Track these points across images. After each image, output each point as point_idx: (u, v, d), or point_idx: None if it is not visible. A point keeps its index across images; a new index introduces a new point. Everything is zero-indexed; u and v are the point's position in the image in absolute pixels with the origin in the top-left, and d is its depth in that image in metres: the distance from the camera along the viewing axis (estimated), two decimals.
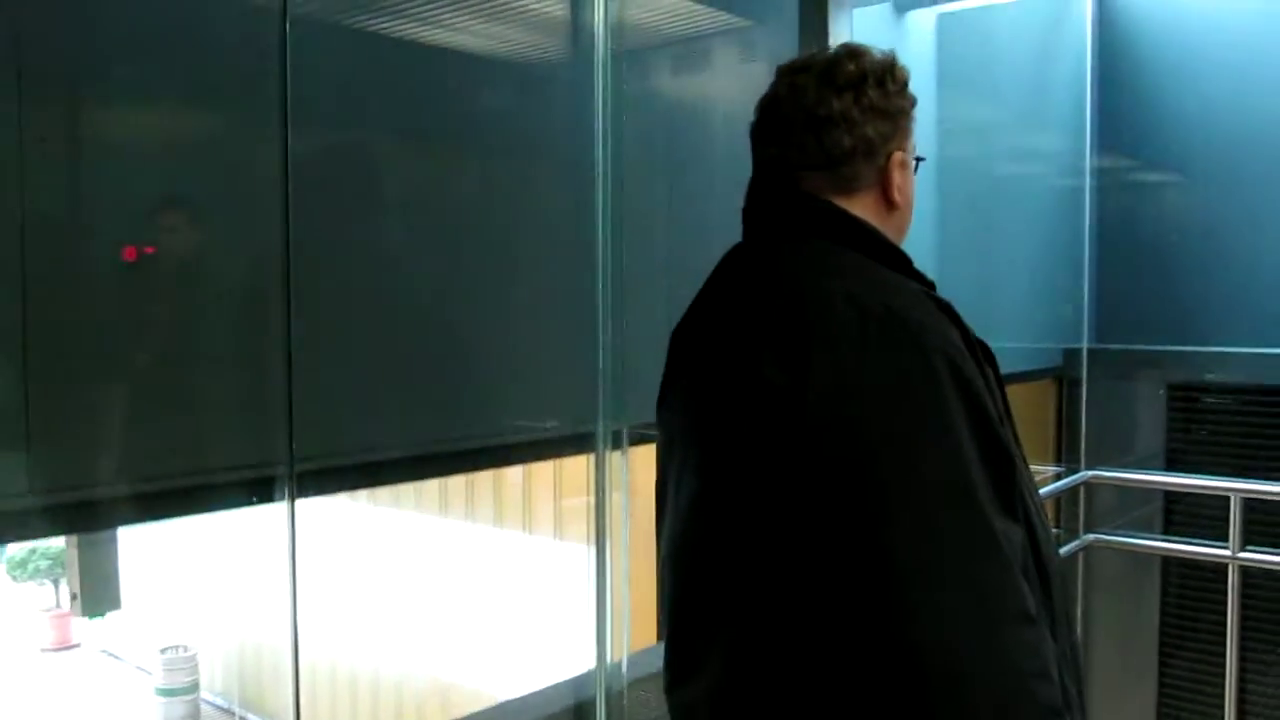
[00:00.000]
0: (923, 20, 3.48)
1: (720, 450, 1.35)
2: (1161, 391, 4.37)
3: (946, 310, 1.33)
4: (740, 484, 1.32)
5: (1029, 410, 4.16)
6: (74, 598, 1.71)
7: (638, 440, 2.25)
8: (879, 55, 1.48)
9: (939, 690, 1.18)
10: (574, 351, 2.24)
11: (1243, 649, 4.00)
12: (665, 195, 2.53)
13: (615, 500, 2.21)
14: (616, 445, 2.26)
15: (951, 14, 3.65)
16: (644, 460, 2.14)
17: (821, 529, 1.24)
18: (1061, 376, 4.39)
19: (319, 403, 1.74)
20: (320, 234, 1.78)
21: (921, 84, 3.35)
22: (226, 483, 1.66)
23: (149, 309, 1.60)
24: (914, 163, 1.52)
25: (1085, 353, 4.47)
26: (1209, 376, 4.23)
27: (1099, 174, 4.50)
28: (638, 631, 2.22)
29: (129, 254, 1.56)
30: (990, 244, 3.97)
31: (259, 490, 1.66)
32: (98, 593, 1.67)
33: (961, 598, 1.20)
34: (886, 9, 3.28)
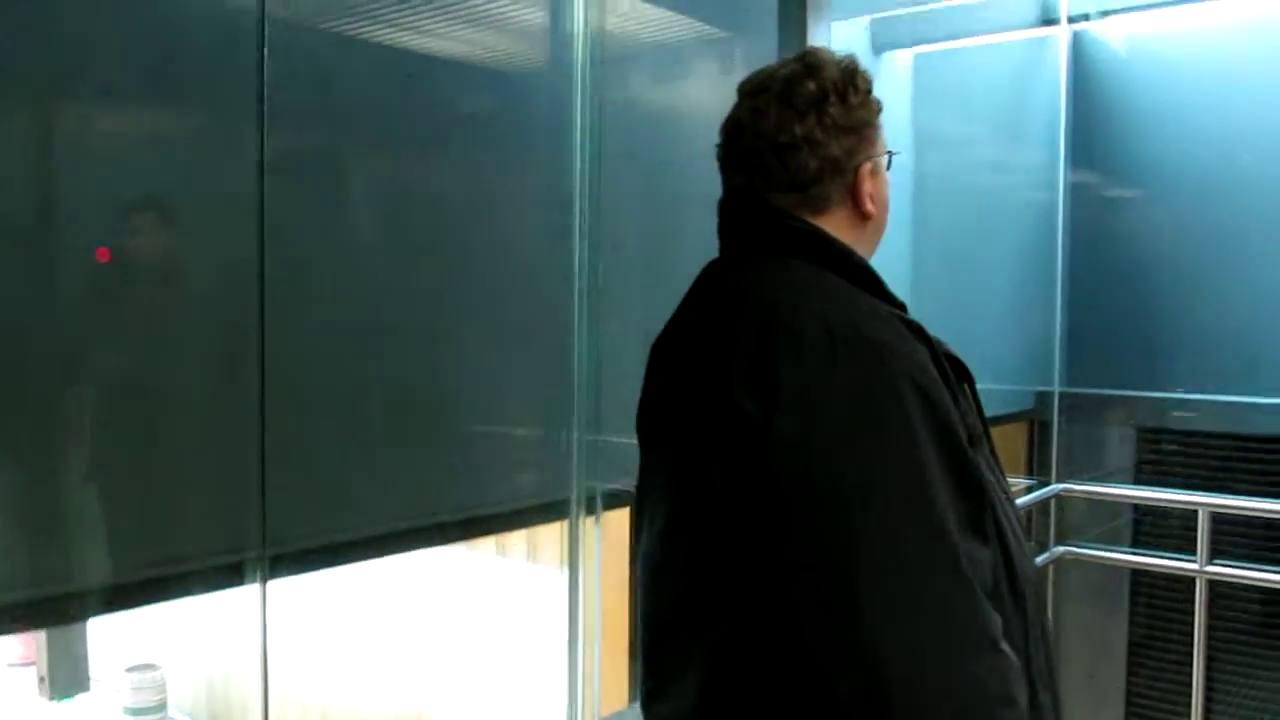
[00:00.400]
0: (899, 60, 3.48)
1: (693, 473, 1.36)
2: (1131, 429, 4.41)
3: (917, 331, 1.33)
4: (712, 506, 1.32)
5: (1002, 442, 4.16)
6: (42, 680, 1.69)
7: (612, 504, 2.24)
8: (839, 65, 1.47)
9: (901, 712, 1.18)
10: (548, 414, 2.23)
11: (1209, 661, 4.05)
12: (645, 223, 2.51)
13: (589, 566, 2.21)
14: (591, 510, 2.25)
15: (928, 55, 3.66)
16: (618, 522, 2.14)
17: (788, 552, 1.25)
18: (1033, 419, 4.41)
19: (292, 483, 1.71)
20: (292, 309, 1.75)
21: (898, 124, 3.36)
22: (199, 570, 1.63)
23: (115, 391, 1.57)
24: (886, 160, 1.52)
25: (1056, 396, 4.51)
26: (1178, 414, 4.27)
27: (1071, 218, 4.52)
28: (608, 695, 2.23)
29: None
30: (964, 284, 3.99)
31: (231, 576, 1.64)
32: (66, 676, 1.65)
33: (924, 624, 1.20)
34: (864, 48, 3.27)
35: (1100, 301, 4.45)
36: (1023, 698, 1.24)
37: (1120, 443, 4.46)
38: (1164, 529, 4.31)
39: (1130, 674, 4.42)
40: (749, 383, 1.28)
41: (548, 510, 2.25)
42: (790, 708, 1.27)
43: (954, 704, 1.19)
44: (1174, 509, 4.22)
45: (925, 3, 3.71)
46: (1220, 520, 4.01)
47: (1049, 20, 4.49)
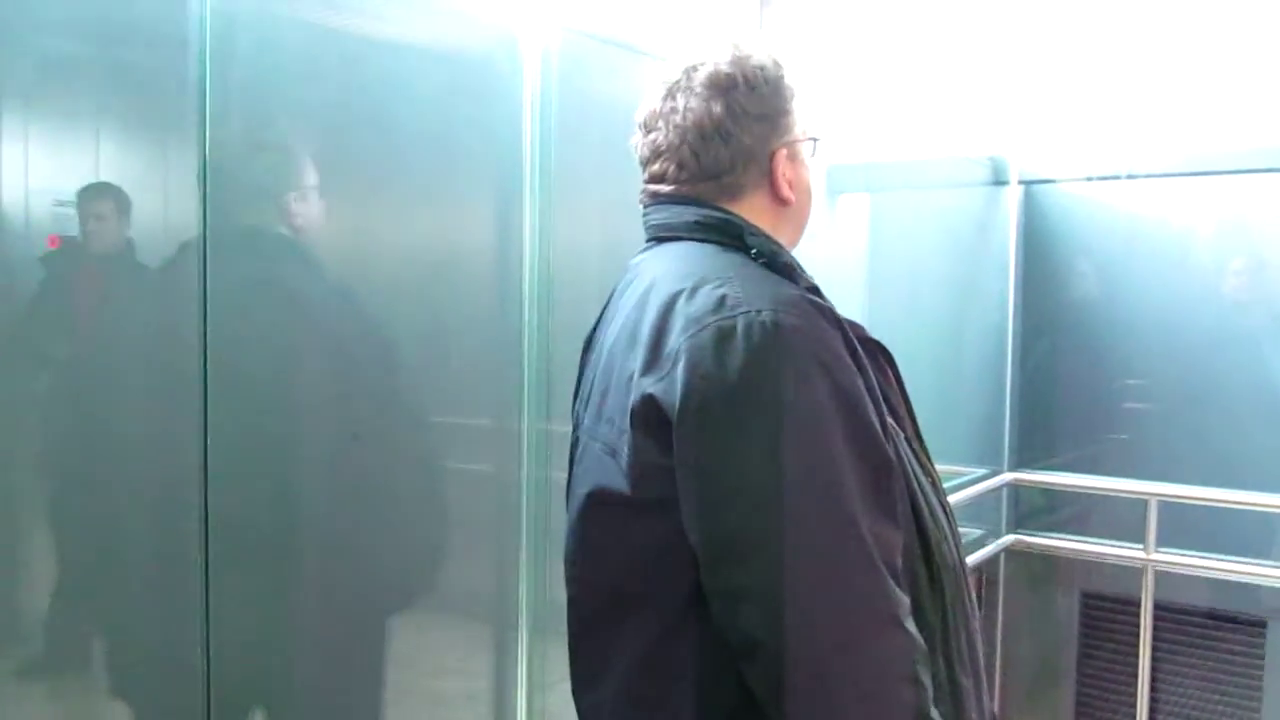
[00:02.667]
0: (856, 201, 3.53)
1: (608, 459, 1.38)
2: (1075, 600, 4.52)
3: (827, 314, 1.33)
4: (625, 492, 1.35)
5: None
6: None
7: None
8: (750, 54, 1.48)
9: (805, 690, 1.21)
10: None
11: (1155, 648, 4.12)
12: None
13: None
14: None
15: (884, 196, 3.73)
16: None
17: (696, 538, 1.27)
18: (981, 573, 4.44)
19: None
20: None
21: (854, 263, 3.37)
22: None
23: None
24: (810, 145, 1.53)
25: (1003, 555, 4.56)
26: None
27: (1021, 370, 4.63)
28: None
29: None
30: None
31: None
32: None
33: (827, 605, 1.22)
34: (820, 190, 3.22)
35: (1047, 443, 4.58)
36: (928, 678, 1.25)
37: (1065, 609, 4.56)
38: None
39: (1081, 658, 4.48)
40: (655, 370, 1.30)
41: None
42: (707, 690, 1.31)
43: (857, 684, 1.21)
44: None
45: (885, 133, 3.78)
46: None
47: (1000, 181, 4.62)
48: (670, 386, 1.27)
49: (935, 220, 4.27)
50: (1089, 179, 4.51)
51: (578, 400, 1.57)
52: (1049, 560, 4.53)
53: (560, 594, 1.52)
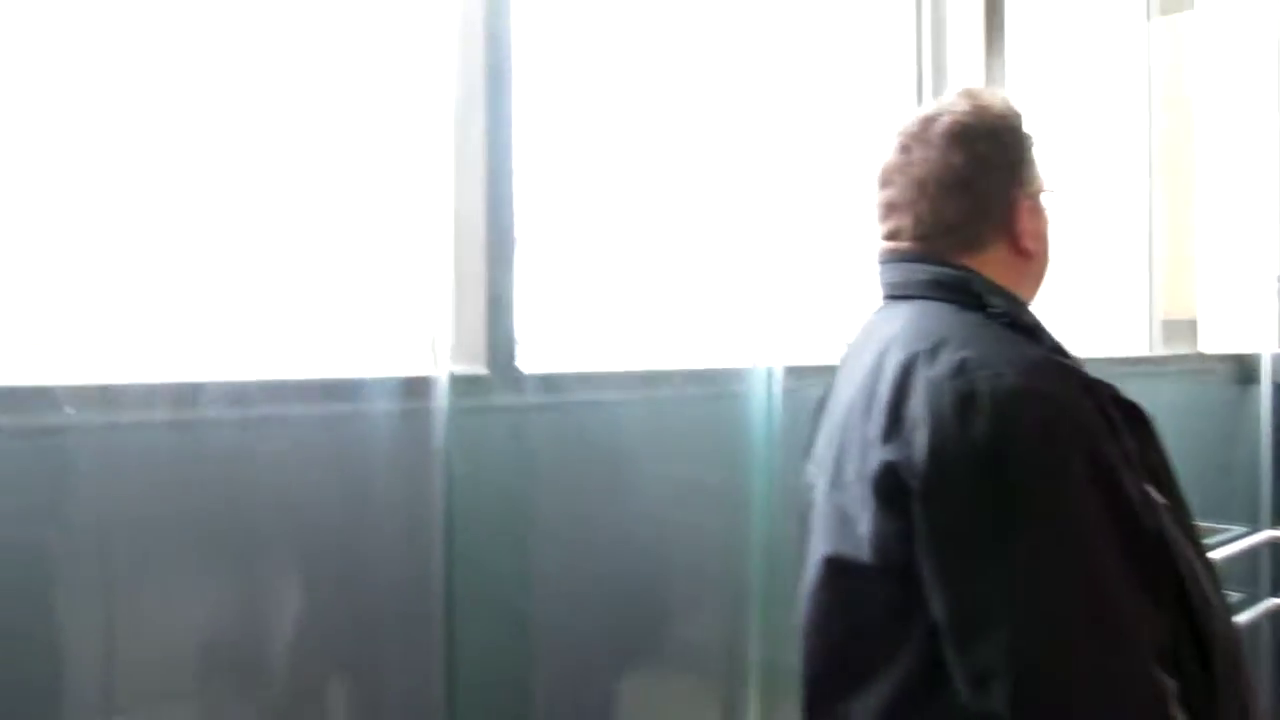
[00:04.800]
0: None
1: (846, 525, 1.35)
2: None
3: (1076, 376, 1.26)
4: (864, 559, 1.31)
5: None
6: None
7: None
8: (993, 105, 1.45)
9: None
10: None
11: None
12: None
13: None
14: None
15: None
16: None
17: (940, 606, 1.23)
18: None
19: None
20: None
21: None
22: None
23: None
24: (1043, 199, 1.48)
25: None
26: None
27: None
28: None
29: None
30: None
31: None
32: None
33: (1085, 690, 1.15)
34: None
35: None
36: None
37: None
38: None
39: None
40: (895, 437, 1.27)
41: None
42: None
43: None
44: None
45: None
46: None
47: (1250, 380, 4.33)
48: (911, 454, 1.24)
49: (1176, 418, 4.07)
50: None
51: (811, 461, 1.55)
52: None
53: (791, 656, 1.50)
